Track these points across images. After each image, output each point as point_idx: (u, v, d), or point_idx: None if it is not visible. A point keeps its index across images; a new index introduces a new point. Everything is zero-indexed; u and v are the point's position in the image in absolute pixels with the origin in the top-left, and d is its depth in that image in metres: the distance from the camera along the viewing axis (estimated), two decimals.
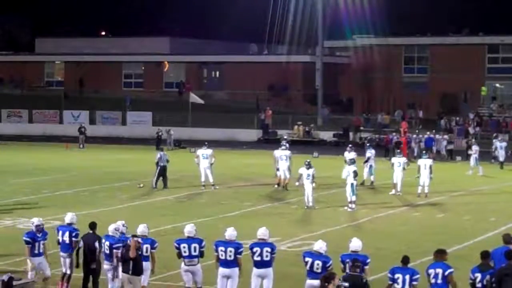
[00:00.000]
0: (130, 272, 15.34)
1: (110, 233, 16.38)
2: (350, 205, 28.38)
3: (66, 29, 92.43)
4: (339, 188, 33.04)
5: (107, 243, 16.22)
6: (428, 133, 49.18)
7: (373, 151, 35.65)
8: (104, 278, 16.75)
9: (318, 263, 14.69)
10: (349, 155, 33.22)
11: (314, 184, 28.51)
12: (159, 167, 33.32)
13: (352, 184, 28.30)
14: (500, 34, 69.95)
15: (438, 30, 75.47)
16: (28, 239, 16.65)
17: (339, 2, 68.13)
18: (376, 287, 15.06)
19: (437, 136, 49.51)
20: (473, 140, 44.94)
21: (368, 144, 38.75)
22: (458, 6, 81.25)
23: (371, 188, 34.24)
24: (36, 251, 16.63)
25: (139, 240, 15.51)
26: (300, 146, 53.75)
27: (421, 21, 78.79)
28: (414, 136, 49.49)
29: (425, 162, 32.10)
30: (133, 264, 15.30)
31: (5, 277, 14.73)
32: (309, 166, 28.55)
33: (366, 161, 34.98)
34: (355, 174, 28.54)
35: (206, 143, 34.72)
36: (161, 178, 33.35)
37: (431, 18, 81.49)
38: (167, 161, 33.57)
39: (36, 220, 16.90)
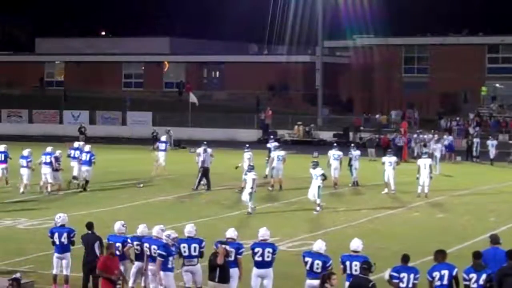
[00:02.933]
0: (216, 279, 15.01)
1: (163, 241, 15.63)
2: (316, 208, 27.66)
3: (66, 29, 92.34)
4: (341, 189, 33.12)
5: (154, 246, 15.73)
6: (449, 136, 49.36)
7: (358, 152, 35.42)
8: None
9: (318, 263, 14.71)
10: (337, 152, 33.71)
11: (253, 189, 27.16)
12: (202, 169, 32.84)
13: (318, 187, 27.65)
14: (500, 34, 69.95)
15: (438, 30, 75.45)
16: (163, 253, 15.42)
17: (339, 2, 68.15)
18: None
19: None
20: (435, 137, 45.50)
21: (352, 145, 38.47)
22: (458, 6, 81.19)
23: (355, 187, 34.06)
24: (170, 266, 15.58)
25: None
26: (300, 146, 53.79)
27: (421, 21, 78.73)
28: (415, 136, 49.52)
29: (425, 162, 32.10)
30: (219, 271, 14.96)
31: (18, 275, 14.55)
32: (252, 169, 28.12)
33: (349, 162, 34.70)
34: (324, 177, 27.97)
35: (205, 142, 34.69)
36: (204, 179, 32.93)
37: (431, 18, 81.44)
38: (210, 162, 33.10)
39: (172, 233, 15.60)
